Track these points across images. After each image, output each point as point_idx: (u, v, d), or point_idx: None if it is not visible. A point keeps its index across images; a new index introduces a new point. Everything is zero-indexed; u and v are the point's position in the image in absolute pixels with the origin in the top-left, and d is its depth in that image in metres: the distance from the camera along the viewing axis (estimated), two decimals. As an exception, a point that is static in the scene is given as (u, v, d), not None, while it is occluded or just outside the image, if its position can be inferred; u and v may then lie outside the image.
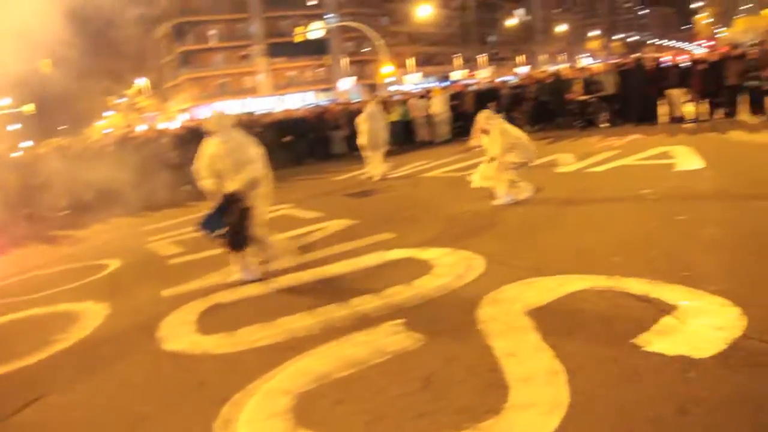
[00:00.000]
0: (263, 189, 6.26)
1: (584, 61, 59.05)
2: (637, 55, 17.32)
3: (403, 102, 19.55)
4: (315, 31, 37.27)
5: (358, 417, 3.25)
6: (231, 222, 5.92)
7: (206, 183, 6.22)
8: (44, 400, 4.15)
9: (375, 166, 12.83)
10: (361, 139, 12.83)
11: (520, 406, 3.12)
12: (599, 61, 32.23)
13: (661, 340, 3.58)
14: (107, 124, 49.29)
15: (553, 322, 4.08)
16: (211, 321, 5.16)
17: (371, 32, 33.53)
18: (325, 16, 56.09)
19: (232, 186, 5.97)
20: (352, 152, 15.95)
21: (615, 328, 3.86)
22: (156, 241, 9.23)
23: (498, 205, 8.18)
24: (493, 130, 8.23)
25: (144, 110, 56.18)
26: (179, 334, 4.97)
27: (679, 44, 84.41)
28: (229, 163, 6.02)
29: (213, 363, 4.29)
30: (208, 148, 6.23)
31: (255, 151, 6.14)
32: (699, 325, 3.72)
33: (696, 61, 14.83)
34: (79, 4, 10.72)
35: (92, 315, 5.87)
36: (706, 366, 3.25)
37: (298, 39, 34.69)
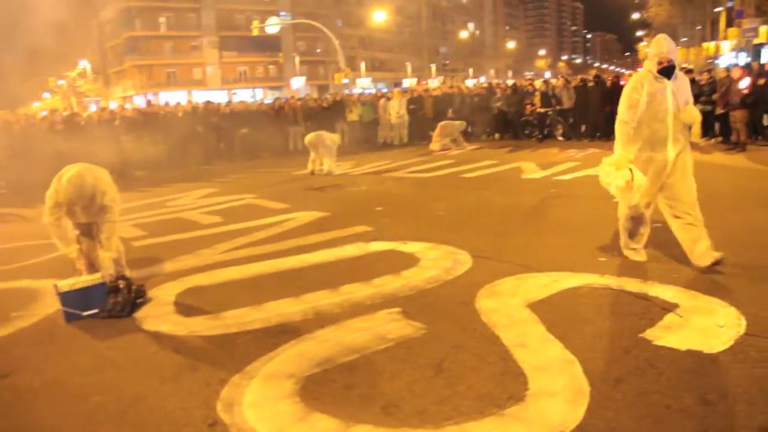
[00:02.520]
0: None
1: (529, 77, 60.43)
2: (596, 73, 17.76)
3: (363, 103, 19.44)
4: (272, 26, 36.77)
5: (373, 401, 3.12)
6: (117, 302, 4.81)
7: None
8: (12, 378, 3.80)
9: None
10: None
11: (542, 393, 3.06)
12: (552, 77, 32.94)
13: (669, 335, 3.61)
14: (45, 106, 47.02)
15: (556, 315, 4.06)
16: (192, 303, 4.91)
17: (330, 32, 33.29)
18: (280, 13, 55.52)
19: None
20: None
21: (620, 323, 3.87)
22: (113, 223, 8.76)
23: (469, 205, 8.22)
24: None
25: (85, 94, 53.94)
26: (158, 314, 4.69)
27: (620, 69, 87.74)
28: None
29: (202, 344, 4.06)
30: None
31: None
32: (703, 323, 3.77)
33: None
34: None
35: (54, 293, 5.48)
36: (719, 360, 3.29)
37: (255, 32, 34.08)
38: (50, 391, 3.58)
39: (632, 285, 4.53)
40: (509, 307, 4.27)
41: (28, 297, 5.45)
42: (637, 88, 4.96)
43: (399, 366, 3.49)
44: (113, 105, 24.36)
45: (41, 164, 12.69)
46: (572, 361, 3.37)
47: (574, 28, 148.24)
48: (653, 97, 4.90)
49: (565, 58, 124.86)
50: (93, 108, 26.08)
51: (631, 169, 4.87)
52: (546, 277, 4.88)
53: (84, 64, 54.98)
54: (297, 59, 58.90)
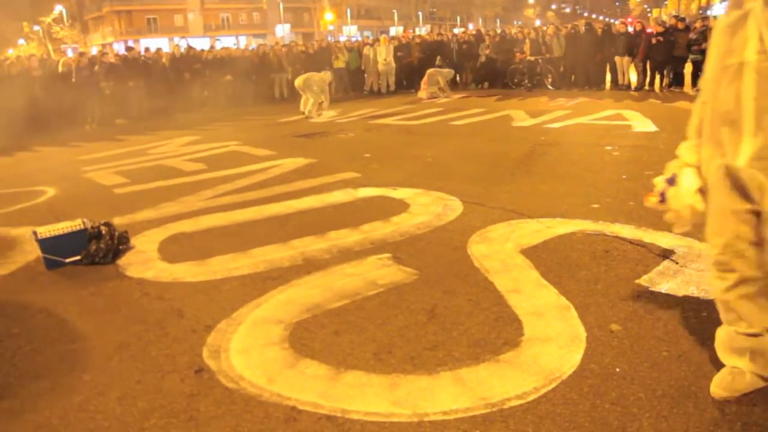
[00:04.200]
0: None
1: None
2: (587, 20, 17.41)
3: (350, 50, 18.98)
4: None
5: (364, 347, 3.03)
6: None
7: None
8: (-9, 325, 3.69)
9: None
10: None
11: (538, 339, 2.99)
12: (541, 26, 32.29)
13: (666, 281, 3.54)
14: (21, 53, 45.53)
15: (550, 261, 3.98)
16: (176, 250, 4.77)
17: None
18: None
19: None
20: (297, 96, 15.29)
21: (616, 269, 3.79)
22: (94, 171, 8.53)
23: (458, 153, 8.07)
24: None
25: (62, 41, 52.24)
26: (142, 261, 4.56)
27: (610, 19, 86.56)
28: None
29: (187, 290, 3.94)
30: None
31: None
32: (699, 269, 3.70)
33: (645, 31, 15.03)
34: None
35: (33, 241, 5.31)
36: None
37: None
38: (31, 339, 3.45)
39: (627, 231, 4.45)
40: (502, 252, 4.18)
41: (6, 245, 5.29)
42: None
43: (390, 312, 3.40)
44: (93, 51, 23.60)
45: (17, 110, 12.32)
46: (567, 307, 3.30)
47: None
48: None
49: (554, 7, 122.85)
50: (70, 54, 25.22)
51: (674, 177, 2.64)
52: (538, 223, 4.79)
53: (60, 9, 53.10)
54: (281, 6, 57.34)
